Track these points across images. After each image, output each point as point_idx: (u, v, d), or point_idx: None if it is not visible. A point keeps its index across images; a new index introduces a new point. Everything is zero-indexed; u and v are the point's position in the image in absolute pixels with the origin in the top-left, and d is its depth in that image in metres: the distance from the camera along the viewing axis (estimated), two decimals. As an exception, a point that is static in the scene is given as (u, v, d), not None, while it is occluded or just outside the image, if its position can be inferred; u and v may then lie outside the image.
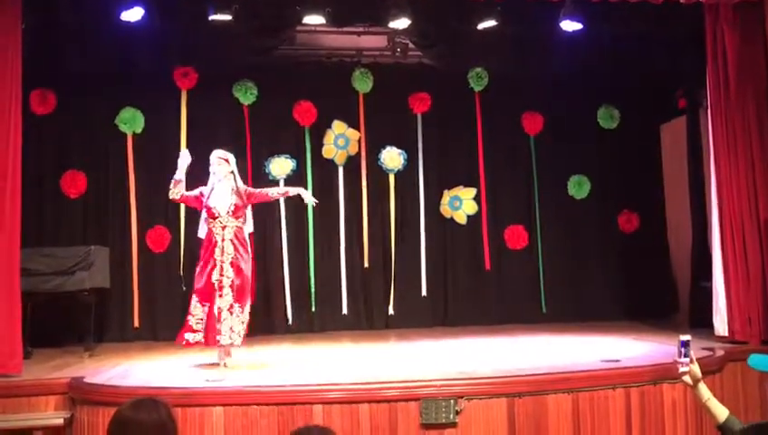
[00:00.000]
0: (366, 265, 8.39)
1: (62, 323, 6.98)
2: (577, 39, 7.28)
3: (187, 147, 7.93)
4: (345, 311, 8.32)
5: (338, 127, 8.44)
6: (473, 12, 7.09)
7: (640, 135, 8.89)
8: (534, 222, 8.72)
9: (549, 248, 8.67)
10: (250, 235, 5.93)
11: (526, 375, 4.91)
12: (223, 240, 5.56)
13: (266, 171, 8.31)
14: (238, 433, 4.56)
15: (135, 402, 2.48)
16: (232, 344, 5.54)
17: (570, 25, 7.05)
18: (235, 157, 8.07)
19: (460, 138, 8.62)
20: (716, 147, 6.57)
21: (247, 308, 5.60)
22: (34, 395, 5.21)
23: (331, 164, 8.45)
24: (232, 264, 5.53)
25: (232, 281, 5.51)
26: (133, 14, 6.58)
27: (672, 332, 7.05)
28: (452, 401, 4.58)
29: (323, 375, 5.13)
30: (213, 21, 6.67)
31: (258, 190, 5.87)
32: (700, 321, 7.19)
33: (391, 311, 8.36)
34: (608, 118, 8.94)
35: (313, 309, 8.26)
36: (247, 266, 5.63)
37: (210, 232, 5.61)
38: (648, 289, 8.62)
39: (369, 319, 8.38)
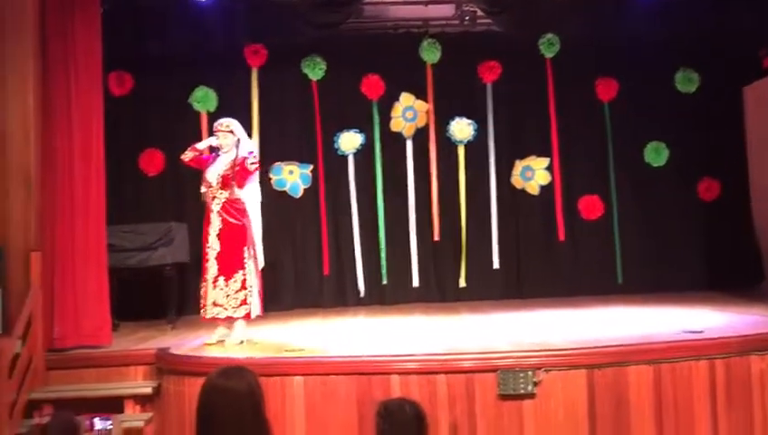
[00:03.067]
0: (436, 237, 8.37)
1: (145, 297, 7.24)
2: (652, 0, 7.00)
3: (259, 124, 8.13)
4: (416, 283, 8.35)
5: (406, 99, 8.39)
6: (544, -25, 6.90)
7: (722, 98, 8.51)
8: (610, 191, 8.51)
9: (625, 218, 8.46)
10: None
11: (606, 346, 4.82)
12: (211, 211, 5.44)
13: (335, 146, 8.37)
14: (318, 402, 4.65)
15: (223, 371, 2.54)
16: (215, 319, 5.42)
17: (646, -15, 6.79)
18: (305, 133, 8.31)
19: (532, 106, 8.44)
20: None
21: (238, 279, 5.35)
22: (124, 365, 5.45)
23: (399, 137, 8.43)
24: (218, 236, 5.38)
25: (217, 253, 5.36)
26: (204, -6, 6.69)
27: (757, 302, 6.80)
28: (530, 372, 4.54)
29: (400, 346, 5.17)
30: (281, -3, 6.70)
31: (245, 166, 5.43)
32: (788, 291, 6.90)
33: (462, 283, 8.34)
34: (686, 81, 8.59)
35: (384, 282, 8.32)
36: (238, 238, 5.37)
37: (207, 201, 5.51)
38: (730, 258, 8.32)
39: (440, 292, 8.38)
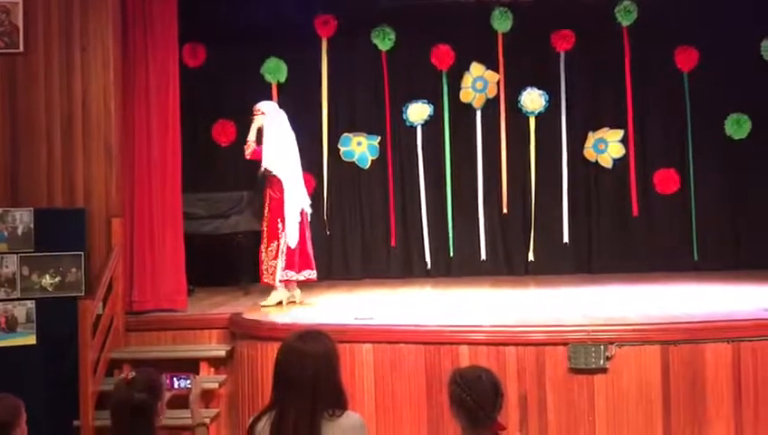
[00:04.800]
0: (505, 210, 8.27)
1: (219, 263, 7.43)
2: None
3: (328, 94, 8.17)
4: (483, 257, 8.28)
5: (476, 69, 8.26)
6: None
7: (811, 67, 8.07)
8: (687, 165, 8.18)
9: (703, 193, 8.14)
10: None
11: (682, 322, 4.70)
12: (264, 187, 6.11)
13: (404, 117, 8.34)
14: (386, 369, 4.71)
15: (301, 334, 2.58)
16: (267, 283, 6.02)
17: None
18: (373, 104, 8.30)
19: (606, 76, 8.19)
20: None
21: (272, 248, 5.91)
22: (199, 329, 5.65)
23: (468, 108, 8.31)
24: (268, 208, 6.01)
25: (267, 224, 5.99)
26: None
27: None
28: (602, 346, 4.47)
29: (468, 317, 5.16)
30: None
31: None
32: None
33: (531, 257, 8.23)
34: (773, 50, 8.16)
35: (452, 254, 8.29)
36: (276, 210, 5.89)
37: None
38: (816, 236, 7.93)
39: (508, 265, 8.29)
